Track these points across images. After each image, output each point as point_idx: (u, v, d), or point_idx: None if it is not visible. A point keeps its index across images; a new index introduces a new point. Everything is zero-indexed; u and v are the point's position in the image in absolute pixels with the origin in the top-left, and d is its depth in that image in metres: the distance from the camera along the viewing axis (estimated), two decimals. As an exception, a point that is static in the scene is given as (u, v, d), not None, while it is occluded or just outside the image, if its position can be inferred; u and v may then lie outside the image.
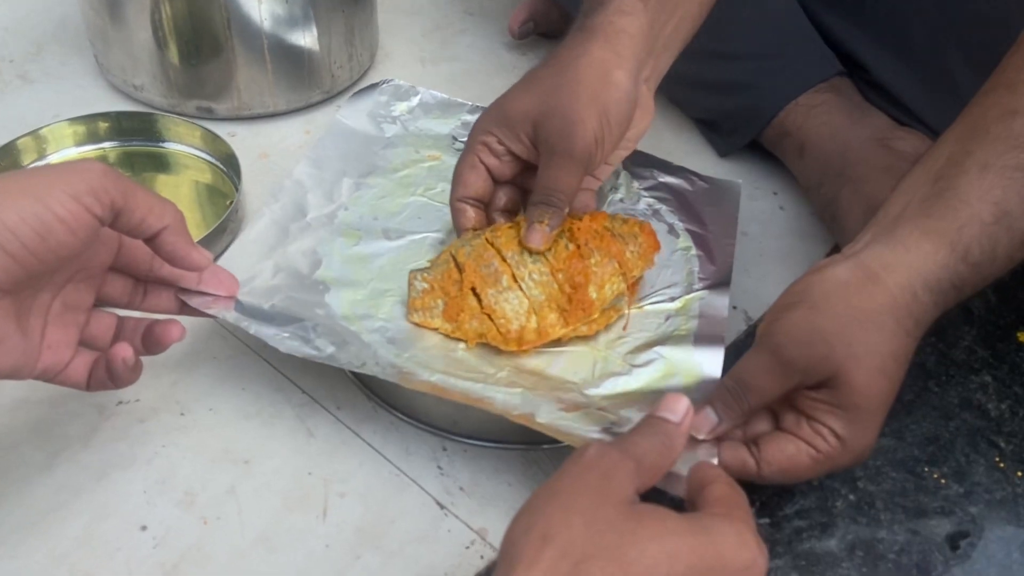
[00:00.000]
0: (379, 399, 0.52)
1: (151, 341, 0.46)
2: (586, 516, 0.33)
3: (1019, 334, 0.58)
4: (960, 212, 0.43)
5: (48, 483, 0.47)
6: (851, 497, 0.49)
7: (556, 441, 0.49)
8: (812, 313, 0.42)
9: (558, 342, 0.51)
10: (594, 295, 0.50)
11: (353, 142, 0.62)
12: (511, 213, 0.54)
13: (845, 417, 0.42)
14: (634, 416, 0.46)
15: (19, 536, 0.45)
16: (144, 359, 0.53)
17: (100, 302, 0.46)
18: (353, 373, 0.52)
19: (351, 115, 0.64)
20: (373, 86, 0.66)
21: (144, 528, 0.46)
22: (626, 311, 0.53)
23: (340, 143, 0.62)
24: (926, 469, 0.51)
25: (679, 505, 0.38)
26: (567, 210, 0.50)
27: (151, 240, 0.42)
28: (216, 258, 0.54)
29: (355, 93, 0.66)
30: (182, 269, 0.44)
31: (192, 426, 0.51)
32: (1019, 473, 0.51)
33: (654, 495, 0.37)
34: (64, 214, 0.38)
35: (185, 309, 0.48)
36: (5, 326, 0.39)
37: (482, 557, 0.46)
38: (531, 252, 0.50)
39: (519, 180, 0.53)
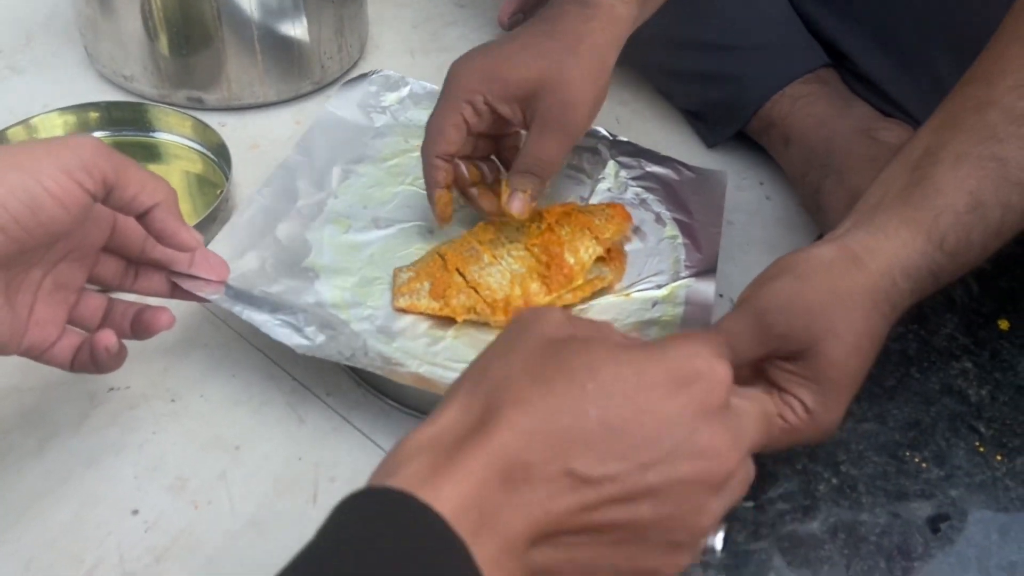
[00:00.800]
0: (369, 386, 0.52)
1: (140, 327, 0.46)
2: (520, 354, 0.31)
3: (1000, 321, 0.59)
4: (936, 201, 0.44)
5: (39, 468, 0.48)
6: (834, 481, 0.50)
7: None
8: (797, 283, 0.43)
9: None
10: (571, 259, 0.51)
11: (343, 131, 0.62)
12: (477, 166, 0.55)
13: (816, 391, 0.43)
14: None
15: (10, 521, 0.46)
16: (135, 346, 0.53)
17: (92, 282, 0.46)
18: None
19: (341, 105, 0.64)
20: (363, 76, 0.66)
21: (135, 512, 0.46)
22: (609, 277, 0.54)
23: (330, 132, 0.62)
24: (907, 453, 0.52)
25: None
26: (548, 183, 0.51)
27: (142, 217, 0.42)
28: (206, 246, 0.54)
29: (345, 83, 0.66)
30: (172, 247, 0.44)
31: (183, 412, 0.51)
32: (999, 457, 0.52)
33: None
34: (55, 189, 0.38)
35: (176, 292, 0.48)
36: None
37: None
38: (512, 222, 0.52)
39: (486, 134, 0.54)
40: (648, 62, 0.72)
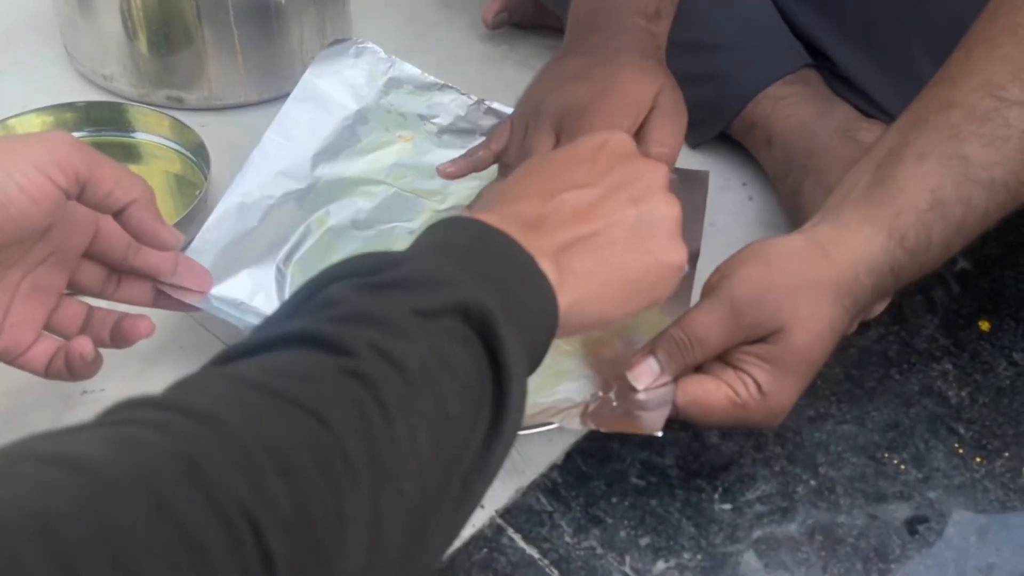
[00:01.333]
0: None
1: (119, 335, 0.46)
2: None
3: (981, 323, 0.59)
4: (897, 199, 0.44)
5: (12, 472, 0.47)
6: (812, 482, 0.50)
7: (539, 426, 0.49)
8: (766, 271, 0.44)
9: None
10: None
11: (322, 112, 0.61)
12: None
13: (772, 372, 0.43)
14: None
15: (-18, 524, 0.45)
16: (109, 350, 0.53)
17: (73, 289, 0.46)
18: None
19: (320, 75, 0.62)
20: (343, 43, 0.64)
21: (108, 516, 0.46)
22: None
23: (309, 111, 0.60)
24: (886, 455, 0.52)
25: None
26: None
27: (119, 215, 0.42)
28: (185, 245, 0.54)
29: (325, 50, 0.63)
30: (151, 246, 0.44)
31: (158, 415, 0.51)
32: (978, 459, 0.52)
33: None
34: (25, 183, 0.38)
35: (159, 301, 0.48)
36: None
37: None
38: None
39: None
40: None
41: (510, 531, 0.47)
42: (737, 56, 0.67)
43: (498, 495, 0.48)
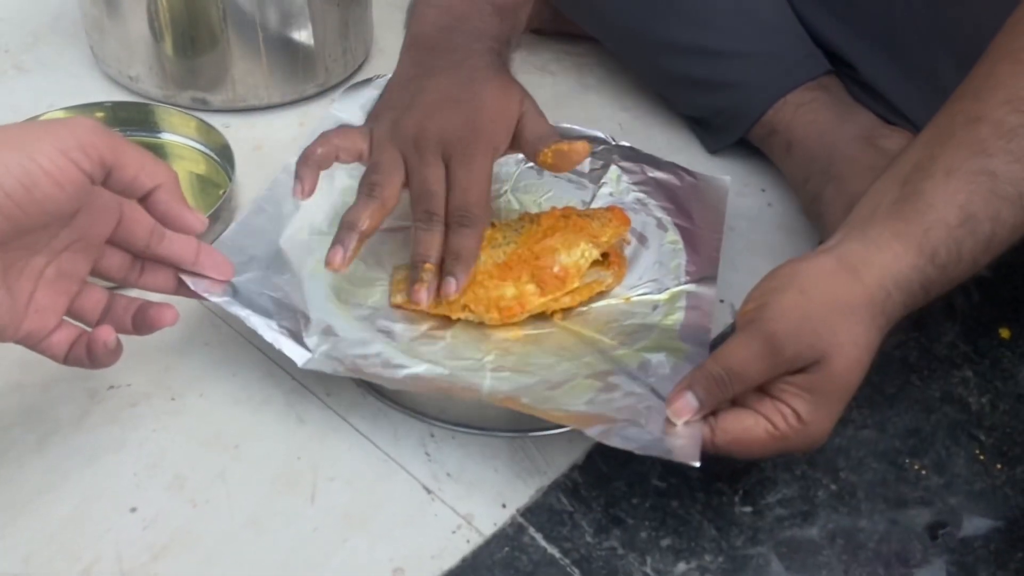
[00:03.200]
0: (367, 386, 0.53)
1: (143, 322, 0.46)
2: None
3: (1001, 330, 0.59)
4: (926, 216, 0.44)
5: (39, 465, 0.48)
6: (833, 487, 0.50)
7: (542, 428, 0.50)
8: (802, 298, 0.43)
9: (546, 322, 0.52)
10: (565, 259, 0.51)
11: None
12: None
13: (812, 401, 0.43)
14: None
15: (9, 516, 0.46)
16: (136, 343, 0.53)
17: (98, 275, 0.46)
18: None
19: (345, 109, 0.64)
20: (367, 81, 0.66)
21: (134, 510, 0.46)
22: (609, 280, 0.54)
23: None
24: (907, 460, 0.52)
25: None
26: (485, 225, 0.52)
27: (144, 200, 0.42)
28: (211, 243, 0.54)
29: (349, 87, 0.66)
30: (177, 230, 0.44)
31: (183, 411, 0.51)
32: (998, 466, 0.52)
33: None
34: (50, 167, 0.38)
35: (181, 289, 0.48)
36: None
37: (468, 541, 0.46)
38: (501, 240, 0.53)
39: None
40: (650, 68, 0.72)
41: (531, 530, 0.47)
42: (756, 63, 0.67)
43: (519, 494, 0.48)
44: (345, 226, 0.50)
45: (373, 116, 0.56)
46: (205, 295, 0.48)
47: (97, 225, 0.44)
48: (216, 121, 0.67)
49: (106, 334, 0.43)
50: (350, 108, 0.64)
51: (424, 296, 0.50)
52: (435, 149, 0.51)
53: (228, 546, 0.45)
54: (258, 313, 0.49)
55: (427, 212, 0.50)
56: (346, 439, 0.50)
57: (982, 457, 0.52)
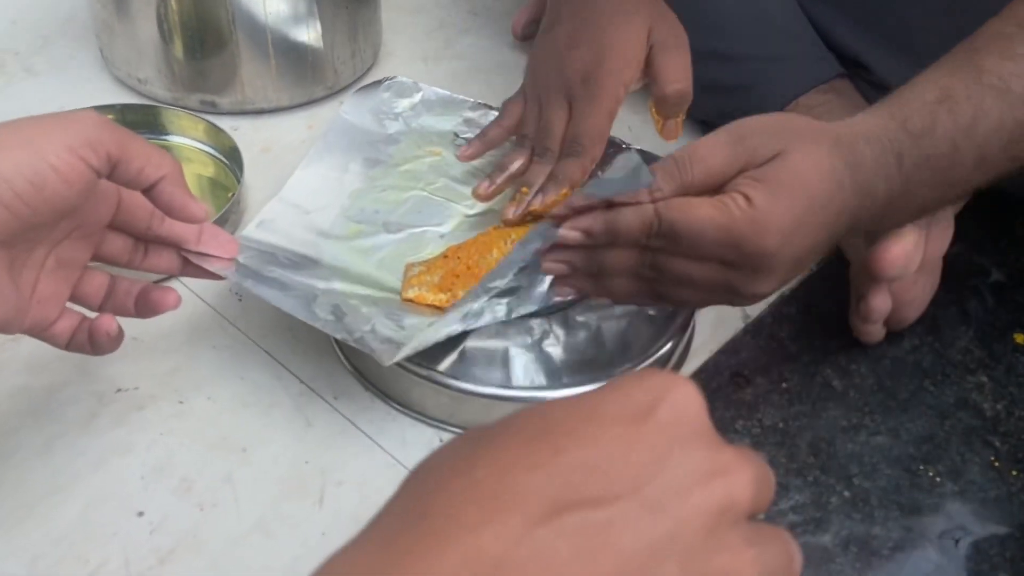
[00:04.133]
0: (376, 389, 0.52)
1: (146, 305, 0.46)
2: None
3: (1016, 335, 0.58)
4: (904, 93, 0.46)
5: (46, 468, 0.48)
6: (846, 493, 0.49)
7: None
8: (772, 117, 0.47)
9: None
10: (495, 255, 0.53)
11: (355, 137, 0.62)
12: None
13: (764, 188, 0.42)
14: None
15: (16, 519, 0.45)
16: (144, 346, 0.53)
17: (101, 260, 0.46)
18: (351, 364, 0.53)
19: (354, 111, 0.64)
20: (377, 83, 0.66)
21: (141, 514, 0.46)
22: None
23: (343, 138, 0.62)
24: (921, 467, 0.51)
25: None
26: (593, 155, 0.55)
27: (149, 191, 0.42)
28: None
29: (358, 90, 0.66)
30: (180, 219, 0.44)
31: (190, 414, 0.51)
32: (1014, 472, 0.51)
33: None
34: (59, 164, 0.38)
35: (186, 269, 0.48)
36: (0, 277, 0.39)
37: (477, 547, 0.46)
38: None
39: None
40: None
41: (541, 536, 0.47)
42: (768, 66, 0.66)
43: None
44: (498, 168, 0.57)
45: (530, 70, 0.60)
46: (211, 271, 0.47)
47: (96, 212, 0.44)
48: (225, 123, 0.67)
49: (108, 323, 0.44)
50: (359, 111, 0.64)
51: (511, 212, 0.54)
52: (558, 94, 0.56)
53: (235, 550, 0.45)
54: (265, 286, 0.49)
55: (543, 147, 0.55)
56: (354, 443, 0.50)
57: (997, 464, 0.51)
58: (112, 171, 0.40)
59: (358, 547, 0.23)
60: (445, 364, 0.49)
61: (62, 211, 0.40)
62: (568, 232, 0.44)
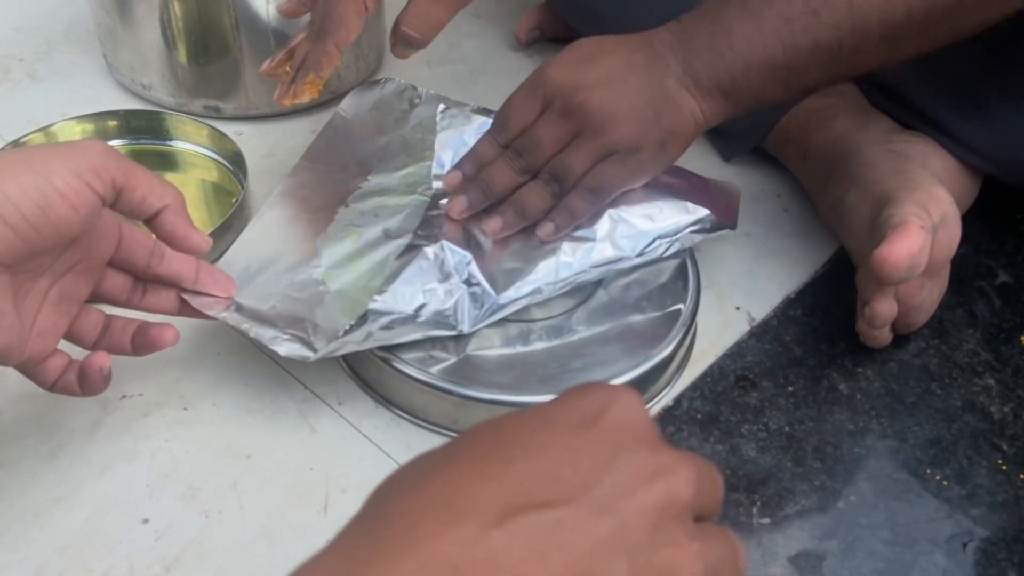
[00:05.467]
0: (380, 396, 0.52)
1: (143, 343, 0.46)
2: None
3: (1022, 337, 0.58)
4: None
5: (51, 475, 0.48)
6: (852, 498, 0.49)
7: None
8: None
9: None
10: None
11: (353, 138, 0.62)
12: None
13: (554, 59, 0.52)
14: None
15: (21, 527, 0.45)
16: (149, 355, 0.53)
17: (99, 298, 0.46)
18: (353, 371, 0.53)
19: (351, 109, 0.63)
20: (376, 82, 0.66)
21: (146, 521, 0.46)
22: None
23: (340, 138, 0.62)
24: (928, 471, 0.51)
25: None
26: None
27: (151, 220, 0.43)
28: (220, 255, 0.54)
29: (357, 88, 0.66)
30: (182, 250, 0.44)
31: (195, 421, 0.51)
32: (1021, 476, 0.51)
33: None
34: (65, 188, 0.38)
35: (184, 309, 0.48)
36: (3, 302, 0.40)
37: (482, 553, 0.46)
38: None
39: None
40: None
41: (546, 542, 0.46)
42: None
43: (534, 506, 0.48)
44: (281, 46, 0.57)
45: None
46: (209, 313, 0.48)
47: (98, 247, 0.44)
48: (228, 129, 0.67)
49: (102, 360, 0.44)
50: (357, 110, 0.64)
51: (276, 94, 0.57)
52: (570, 118, 0.52)
53: (240, 558, 0.45)
54: (264, 325, 0.49)
55: (527, 166, 0.53)
56: (359, 449, 0.50)
57: (1004, 467, 0.51)
58: (116, 199, 0.41)
59: (323, 559, 0.24)
60: (447, 370, 0.49)
61: (67, 236, 0.40)
62: (451, 176, 0.55)
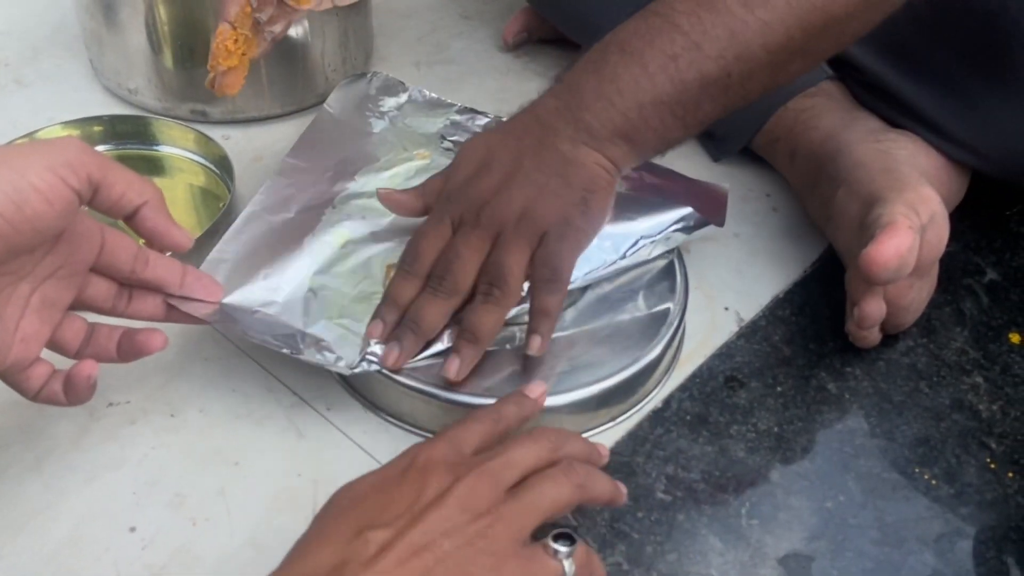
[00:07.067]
0: (367, 401, 0.52)
1: (130, 349, 0.46)
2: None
3: (1011, 335, 0.58)
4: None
5: (37, 484, 0.48)
6: (841, 498, 0.49)
7: None
8: None
9: None
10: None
11: (339, 135, 0.62)
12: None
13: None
14: None
15: (7, 536, 0.45)
16: (135, 361, 0.53)
17: (84, 306, 0.46)
18: (341, 376, 0.53)
19: (338, 104, 0.63)
20: (360, 75, 0.65)
21: (133, 529, 0.46)
22: None
23: (326, 135, 0.61)
24: (917, 470, 0.51)
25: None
26: None
27: (131, 217, 0.42)
28: (206, 258, 0.54)
29: (343, 83, 0.65)
30: (164, 248, 0.44)
31: (182, 427, 0.51)
32: (1010, 474, 0.51)
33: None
34: (40, 184, 0.38)
35: (171, 315, 0.48)
36: None
37: (470, 558, 0.46)
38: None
39: None
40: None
41: (535, 546, 0.46)
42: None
43: (523, 509, 0.48)
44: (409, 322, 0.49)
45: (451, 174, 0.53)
46: (196, 316, 0.47)
47: (80, 251, 0.44)
48: (215, 133, 0.67)
49: (90, 368, 0.43)
50: (343, 105, 0.63)
51: (395, 360, 0.48)
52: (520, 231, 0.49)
53: (228, 565, 0.45)
54: (251, 328, 0.49)
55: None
56: (347, 455, 0.50)
57: (993, 465, 0.51)
58: (94, 196, 0.41)
59: None
60: (435, 374, 0.49)
61: (44, 233, 0.40)
62: (372, 328, 0.50)
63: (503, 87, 0.77)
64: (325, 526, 0.38)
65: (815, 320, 0.58)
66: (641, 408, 0.53)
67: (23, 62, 0.77)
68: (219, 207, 0.62)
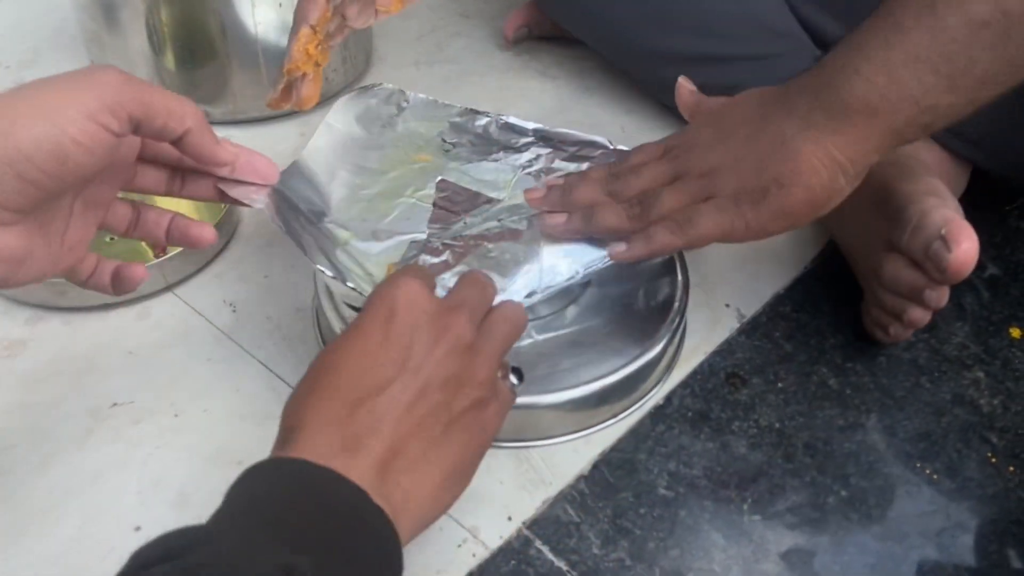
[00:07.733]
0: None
1: (182, 237, 0.46)
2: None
3: (1011, 330, 0.58)
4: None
5: (42, 484, 0.48)
6: (843, 493, 0.49)
7: (547, 438, 0.50)
8: None
9: None
10: None
11: (341, 143, 0.62)
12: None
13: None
14: None
15: (13, 536, 0.46)
16: (139, 360, 0.53)
17: (140, 192, 0.45)
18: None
19: (339, 118, 0.63)
20: (365, 89, 0.66)
21: (138, 529, 0.46)
22: None
23: (328, 144, 0.62)
24: (918, 465, 0.51)
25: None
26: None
27: (175, 143, 0.42)
28: (218, 252, 0.54)
29: (347, 97, 0.66)
30: (208, 167, 0.44)
31: (186, 427, 0.51)
32: (1011, 468, 0.51)
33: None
34: (80, 136, 0.37)
35: (225, 196, 0.47)
36: (32, 242, 0.39)
37: (474, 555, 0.46)
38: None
39: None
40: (651, 78, 0.72)
41: (538, 543, 0.47)
42: (758, 67, 0.66)
43: (525, 507, 0.48)
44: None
45: None
46: (245, 201, 0.47)
47: (120, 153, 0.43)
48: (216, 133, 0.67)
49: (141, 273, 0.45)
50: (345, 118, 0.64)
51: (558, 224, 0.52)
52: None
53: (233, 563, 0.45)
54: (295, 229, 0.49)
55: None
56: (350, 453, 0.50)
57: (994, 460, 0.51)
58: (136, 129, 0.40)
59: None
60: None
61: (87, 177, 0.39)
62: (536, 188, 0.54)
63: (503, 85, 0.77)
64: (329, 395, 0.38)
65: (816, 316, 0.58)
66: (643, 405, 0.53)
67: (23, 64, 0.77)
68: (222, 208, 0.62)
